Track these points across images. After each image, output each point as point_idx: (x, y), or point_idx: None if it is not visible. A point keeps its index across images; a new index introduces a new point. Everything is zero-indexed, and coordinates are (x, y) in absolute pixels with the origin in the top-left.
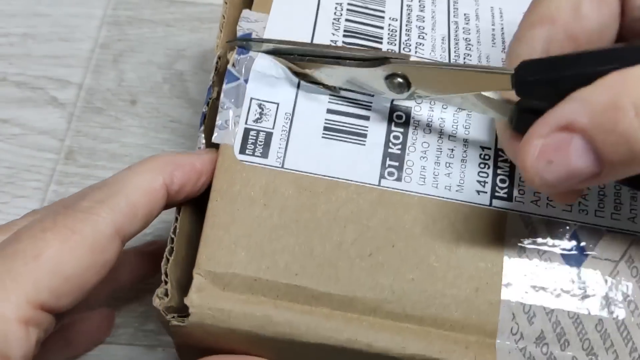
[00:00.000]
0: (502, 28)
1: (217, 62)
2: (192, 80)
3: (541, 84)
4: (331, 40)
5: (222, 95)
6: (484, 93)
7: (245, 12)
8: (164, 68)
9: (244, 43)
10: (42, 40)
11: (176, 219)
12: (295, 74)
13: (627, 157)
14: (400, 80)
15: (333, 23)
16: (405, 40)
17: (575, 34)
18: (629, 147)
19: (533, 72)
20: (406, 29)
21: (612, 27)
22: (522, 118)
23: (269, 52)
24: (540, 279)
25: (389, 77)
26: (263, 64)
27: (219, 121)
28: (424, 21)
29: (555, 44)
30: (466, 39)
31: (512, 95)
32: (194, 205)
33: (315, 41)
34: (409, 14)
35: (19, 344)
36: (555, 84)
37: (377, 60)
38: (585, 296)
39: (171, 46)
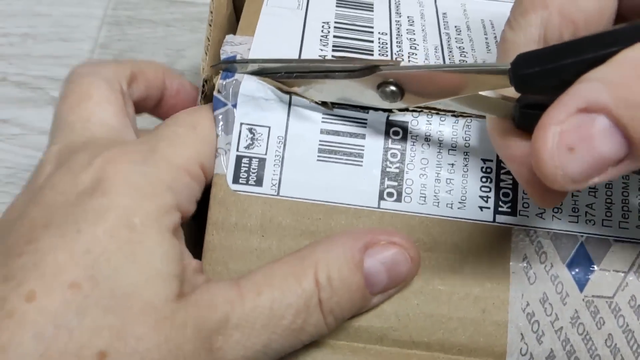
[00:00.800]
0: (495, 37)
1: (203, 86)
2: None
3: (542, 75)
4: (320, 56)
5: None
6: (481, 93)
7: (229, 37)
8: None
9: (229, 65)
10: (42, 40)
11: None
12: (285, 93)
13: None
14: (392, 88)
15: (321, 40)
16: (397, 52)
17: (572, 16)
18: None
19: (531, 64)
20: (397, 42)
21: (610, 6)
22: (525, 114)
23: (255, 73)
24: (547, 296)
25: (381, 86)
26: (250, 86)
27: None
28: (414, 34)
29: (552, 29)
30: (460, 47)
31: (512, 92)
32: (192, 231)
33: (304, 58)
34: (398, 28)
35: (185, 188)
36: (558, 73)
37: (367, 69)
38: (594, 311)
39: (171, 46)
